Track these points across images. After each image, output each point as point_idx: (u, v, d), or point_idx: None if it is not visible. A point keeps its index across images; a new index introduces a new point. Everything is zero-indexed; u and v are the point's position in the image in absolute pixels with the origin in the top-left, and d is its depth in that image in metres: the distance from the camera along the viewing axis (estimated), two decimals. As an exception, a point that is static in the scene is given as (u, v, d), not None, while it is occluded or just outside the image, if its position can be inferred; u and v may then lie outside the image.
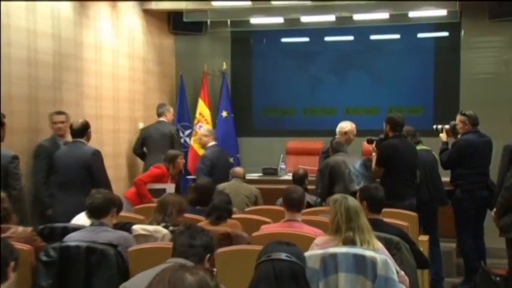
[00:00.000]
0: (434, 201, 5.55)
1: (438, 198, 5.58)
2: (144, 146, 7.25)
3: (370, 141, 5.73)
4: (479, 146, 5.51)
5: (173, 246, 2.55)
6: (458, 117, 5.61)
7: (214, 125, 8.51)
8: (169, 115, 7.49)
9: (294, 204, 4.06)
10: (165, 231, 3.88)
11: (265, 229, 4.07)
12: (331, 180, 5.44)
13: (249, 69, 8.90)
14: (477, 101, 7.54)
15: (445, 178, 5.79)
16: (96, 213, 3.65)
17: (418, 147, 5.67)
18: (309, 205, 5.32)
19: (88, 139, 5.30)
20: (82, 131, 5.22)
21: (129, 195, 5.90)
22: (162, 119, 7.40)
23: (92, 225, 3.66)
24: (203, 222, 4.18)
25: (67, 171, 5.09)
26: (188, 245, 2.47)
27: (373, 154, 5.53)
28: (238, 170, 6.03)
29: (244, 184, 5.83)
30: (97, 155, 5.15)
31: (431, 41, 8.37)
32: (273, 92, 8.79)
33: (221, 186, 5.59)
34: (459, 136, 5.68)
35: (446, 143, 5.71)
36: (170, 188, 5.93)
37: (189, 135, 8.44)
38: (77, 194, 4.77)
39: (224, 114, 8.46)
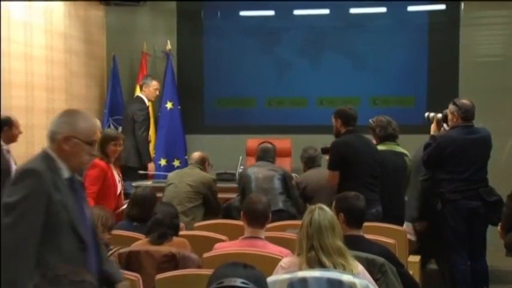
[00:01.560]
0: (385, 218, 5.32)
1: (390, 216, 5.35)
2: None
3: (325, 151, 5.83)
4: (466, 145, 5.41)
5: None
6: (449, 107, 5.54)
7: (156, 119, 8.48)
8: (147, 90, 7.76)
9: (258, 219, 4.07)
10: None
11: (219, 248, 4.06)
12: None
13: (199, 49, 8.86)
14: (480, 89, 7.68)
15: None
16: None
17: (385, 147, 5.68)
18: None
19: (8, 139, 5.17)
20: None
21: None
22: (140, 94, 7.81)
23: None
24: (142, 242, 4.15)
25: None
26: None
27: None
28: (194, 154, 6.30)
29: (197, 171, 6.02)
30: None
31: (424, 16, 8.48)
32: (230, 79, 8.78)
33: (169, 176, 5.98)
34: (442, 129, 5.68)
35: (433, 137, 5.63)
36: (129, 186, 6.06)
37: (124, 132, 8.39)
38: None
39: (168, 105, 8.44)
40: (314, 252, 3.12)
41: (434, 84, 8.29)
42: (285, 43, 8.73)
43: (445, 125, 5.67)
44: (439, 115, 5.72)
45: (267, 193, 5.32)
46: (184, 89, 8.67)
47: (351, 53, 8.57)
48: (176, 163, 8.42)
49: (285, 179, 5.80)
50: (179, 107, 8.50)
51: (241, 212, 4.17)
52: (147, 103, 7.83)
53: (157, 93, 7.89)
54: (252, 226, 4.05)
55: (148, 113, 7.79)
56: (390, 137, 5.81)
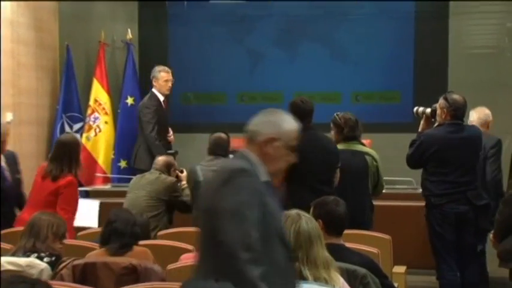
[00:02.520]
0: None
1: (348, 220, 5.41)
2: None
3: None
4: (452, 145, 5.40)
5: None
6: (439, 101, 5.52)
7: (115, 116, 8.45)
8: (157, 83, 7.67)
9: None
10: (42, 265, 3.83)
11: (185, 259, 4.04)
12: None
13: (163, 39, 8.86)
14: (471, 83, 7.74)
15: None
16: None
17: (344, 147, 5.69)
18: None
19: None
20: None
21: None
22: (153, 89, 7.71)
23: None
24: (98, 252, 4.13)
25: None
26: None
27: None
28: (158, 159, 6.35)
29: (156, 175, 6.09)
30: None
31: (410, 4, 8.53)
32: (197, 72, 8.78)
33: (130, 183, 6.11)
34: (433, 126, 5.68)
35: (420, 135, 5.64)
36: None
37: (80, 131, 8.35)
38: None
39: (129, 101, 8.42)
40: (299, 264, 3.11)
41: (421, 79, 8.35)
42: (258, 32, 8.74)
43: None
44: (428, 110, 5.71)
45: None
46: (146, 83, 8.57)
47: (331, 44, 8.61)
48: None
49: None
50: (141, 103, 8.46)
51: None
52: (161, 98, 7.74)
53: (170, 84, 7.76)
54: None
55: (158, 110, 7.63)
56: (355, 138, 5.78)
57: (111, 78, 8.55)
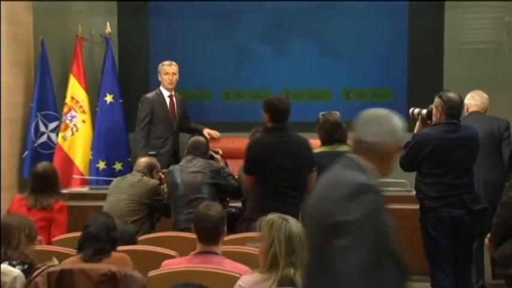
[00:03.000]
0: None
1: None
2: None
3: None
4: (447, 145, 5.40)
5: None
6: (434, 100, 5.56)
7: (93, 115, 8.41)
8: (160, 77, 7.85)
9: (209, 235, 4.11)
10: (15, 272, 3.82)
11: (167, 266, 4.06)
12: None
13: (144, 33, 8.81)
14: (467, 80, 7.73)
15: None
16: None
17: (327, 149, 5.68)
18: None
19: None
20: None
21: None
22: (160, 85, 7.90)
23: None
24: (74, 258, 4.13)
25: None
26: None
27: None
28: (140, 160, 6.39)
29: (138, 178, 6.08)
30: None
31: (404, -3, 8.56)
32: (180, 68, 8.71)
33: (110, 185, 6.17)
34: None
35: (414, 136, 5.63)
36: None
37: (56, 130, 8.34)
38: None
39: (108, 98, 8.39)
40: (293, 269, 3.12)
41: (415, 75, 8.35)
42: (244, 27, 8.72)
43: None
44: (424, 111, 5.73)
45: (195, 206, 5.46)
46: (126, 80, 8.62)
47: (321, 39, 8.59)
48: (118, 166, 8.36)
49: (215, 176, 5.84)
50: (121, 101, 8.44)
51: (192, 226, 4.22)
52: (166, 93, 7.84)
53: (173, 78, 7.83)
54: (204, 243, 4.10)
55: (156, 105, 7.76)
56: (338, 140, 5.77)
57: (89, 74, 8.50)
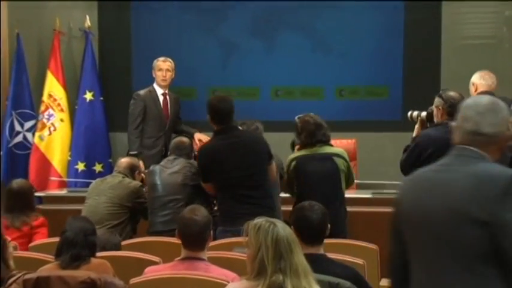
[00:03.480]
0: None
1: None
2: None
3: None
4: (450, 147, 5.39)
5: None
6: (434, 100, 5.54)
7: (72, 113, 8.39)
8: (154, 74, 7.74)
9: (194, 242, 4.08)
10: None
11: (150, 272, 4.04)
12: None
13: (126, 27, 8.80)
14: (466, 77, 7.66)
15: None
16: None
17: (308, 152, 5.67)
18: None
19: None
20: None
21: None
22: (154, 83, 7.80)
23: None
24: (51, 265, 4.11)
25: None
26: None
27: None
28: (121, 160, 6.34)
29: (119, 179, 6.04)
30: None
31: (400, -9, 8.57)
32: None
33: (89, 188, 6.13)
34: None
35: (414, 139, 5.64)
36: None
37: (32, 130, 8.32)
38: None
39: (88, 96, 8.37)
40: (281, 275, 3.12)
41: (411, 72, 8.35)
42: (232, 21, 8.70)
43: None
44: (424, 113, 5.74)
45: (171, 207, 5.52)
46: (107, 76, 8.61)
47: (312, 34, 8.59)
48: (98, 168, 8.35)
49: (196, 178, 5.84)
50: (101, 98, 8.43)
51: (176, 231, 4.19)
52: (160, 91, 7.76)
53: (166, 74, 7.74)
54: (189, 248, 4.07)
55: (148, 103, 7.69)
56: (318, 142, 5.76)
57: (68, 70, 8.47)
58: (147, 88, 7.80)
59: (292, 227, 3.71)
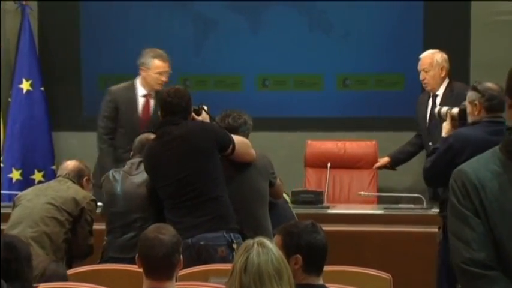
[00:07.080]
0: None
1: None
2: None
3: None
4: (489, 148, 5.46)
5: None
6: (468, 95, 5.69)
7: (5, 107, 8.44)
8: (145, 73, 7.45)
9: (159, 268, 4.05)
10: None
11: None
12: None
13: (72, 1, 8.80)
14: (500, 62, 7.71)
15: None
16: None
17: None
18: None
19: None
20: None
21: None
22: (137, 78, 7.58)
23: None
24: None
25: None
26: None
27: None
28: (66, 163, 6.23)
29: (68, 184, 5.96)
30: None
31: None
32: (122, 46, 8.75)
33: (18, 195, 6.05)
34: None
35: (444, 140, 5.76)
36: None
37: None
38: None
39: (25, 86, 8.42)
40: None
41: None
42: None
43: None
44: (456, 110, 5.85)
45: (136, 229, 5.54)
46: (49, 62, 8.62)
47: (309, 9, 8.63)
48: (37, 177, 8.39)
49: None
50: (42, 89, 8.47)
51: (136, 256, 4.16)
52: (143, 92, 7.52)
53: (163, 79, 7.42)
54: (152, 278, 4.04)
55: (124, 104, 7.51)
56: None
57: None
58: (126, 83, 7.63)
59: (296, 254, 3.72)
